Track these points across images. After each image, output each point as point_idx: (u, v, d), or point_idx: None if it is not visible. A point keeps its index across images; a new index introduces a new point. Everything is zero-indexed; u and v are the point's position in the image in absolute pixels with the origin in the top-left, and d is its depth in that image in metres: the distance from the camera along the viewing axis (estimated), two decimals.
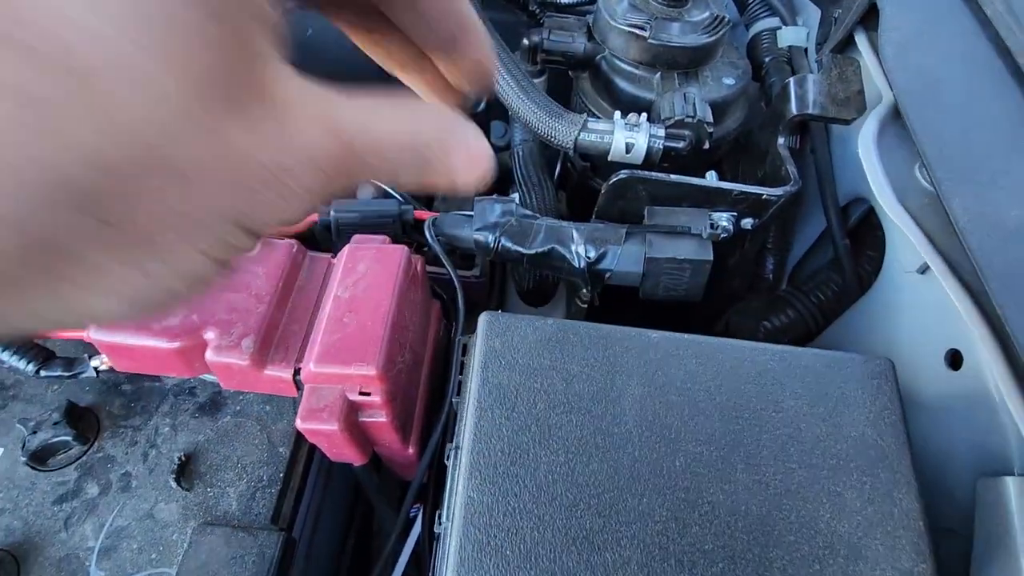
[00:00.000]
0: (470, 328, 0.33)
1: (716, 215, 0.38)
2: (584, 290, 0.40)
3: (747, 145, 0.50)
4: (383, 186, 0.43)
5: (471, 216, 0.40)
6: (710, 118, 0.41)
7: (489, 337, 0.28)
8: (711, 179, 0.40)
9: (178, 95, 0.10)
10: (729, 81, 0.46)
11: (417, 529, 0.38)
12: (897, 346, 0.35)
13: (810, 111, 0.40)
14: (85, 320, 0.11)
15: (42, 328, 0.11)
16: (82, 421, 0.32)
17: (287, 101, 0.11)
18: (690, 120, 0.41)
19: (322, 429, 0.29)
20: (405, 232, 0.40)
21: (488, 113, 0.66)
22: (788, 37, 0.51)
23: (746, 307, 0.48)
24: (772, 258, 0.50)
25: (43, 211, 0.09)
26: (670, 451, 0.26)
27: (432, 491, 0.38)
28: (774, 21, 0.52)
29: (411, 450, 0.36)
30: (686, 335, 0.28)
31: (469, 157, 0.16)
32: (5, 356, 0.31)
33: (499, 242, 0.38)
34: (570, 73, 0.51)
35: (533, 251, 0.38)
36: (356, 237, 0.36)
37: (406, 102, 0.15)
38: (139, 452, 0.32)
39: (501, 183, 0.70)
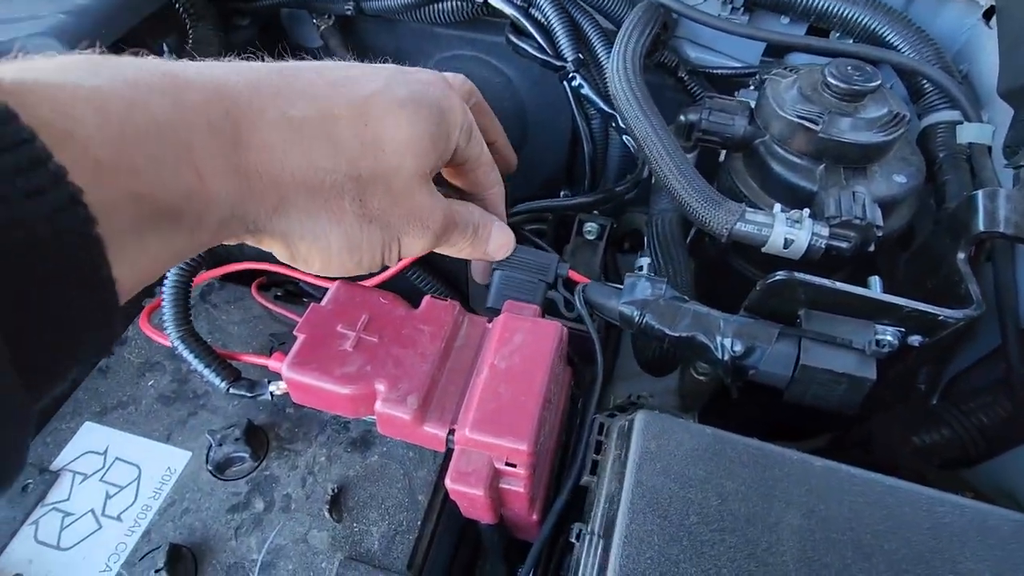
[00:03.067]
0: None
1: (881, 328, 0.36)
2: (724, 380, 0.39)
3: (914, 248, 0.47)
4: (539, 242, 0.45)
5: (619, 289, 0.40)
6: (880, 221, 0.40)
7: (646, 438, 0.28)
8: (876, 288, 0.38)
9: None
10: (900, 179, 0.44)
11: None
12: None
13: (1001, 229, 0.37)
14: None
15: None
16: (256, 439, 0.36)
17: (435, 190, 0.28)
18: (858, 222, 0.39)
19: (468, 492, 0.31)
20: (555, 284, 0.42)
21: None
22: (970, 134, 0.48)
23: (893, 418, 0.44)
24: (929, 368, 0.47)
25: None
26: None
27: (546, 561, 0.38)
28: (953, 115, 0.49)
29: (535, 517, 0.37)
30: (853, 469, 0.27)
31: (499, 242, 0.33)
32: (206, 372, 0.36)
33: (644, 318, 0.39)
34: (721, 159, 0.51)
35: (676, 334, 0.38)
36: (508, 304, 0.38)
37: (471, 204, 0.32)
38: (299, 476, 0.36)
39: (629, 243, 0.71)
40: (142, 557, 0.31)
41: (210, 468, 0.35)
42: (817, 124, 0.42)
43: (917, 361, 0.44)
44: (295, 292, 0.47)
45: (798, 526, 0.26)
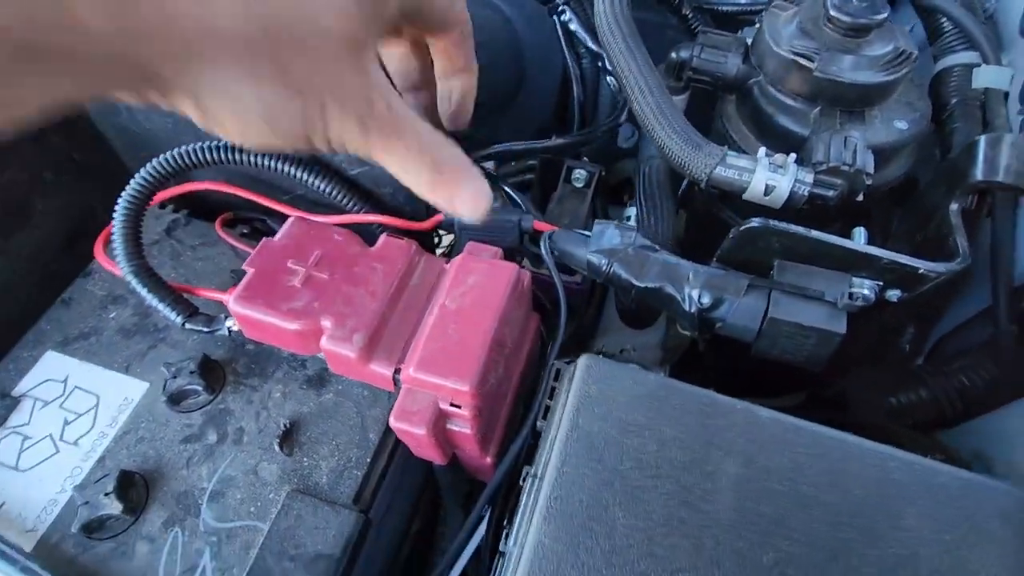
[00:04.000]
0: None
1: (857, 281, 0.34)
2: (691, 334, 0.38)
3: (908, 197, 0.44)
4: (508, 191, 0.43)
5: (588, 236, 0.39)
6: (871, 168, 0.37)
7: (587, 382, 0.27)
8: (859, 239, 0.36)
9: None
10: (901, 125, 0.40)
11: (482, 531, 0.39)
12: None
13: (1000, 179, 0.34)
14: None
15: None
16: (211, 373, 0.36)
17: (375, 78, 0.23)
18: (846, 168, 0.37)
19: (411, 431, 0.30)
20: (522, 240, 0.40)
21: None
22: (986, 78, 0.44)
23: (870, 377, 0.43)
24: (914, 327, 0.45)
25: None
26: (760, 543, 0.24)
27: (501, 499, 0.39)
28: (971, 56, 0.45)
29: (488, 459, 0.36)
30: (800, 421, 0.26)
31: (473, 194, 0.25)
32: (161, 306, 0.36)
33: (612, 268, 0.37)
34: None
35: (643, 284, 0.37)
36: (469, 246, 0.37)
37: (444, 137, 0.25)
38: (253, 411, 0.36)
39: (619, 193, 0.68)
40: (95, 481, 0.32)
41: (165, 400, 0.35)
42: (813, 61, 0.39)
43: (900, 319, 0.42)
44: (262, 230, 0.46)
45: (736, 475, 0.25)
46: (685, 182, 0.56)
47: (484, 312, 0.32)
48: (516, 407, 0.40)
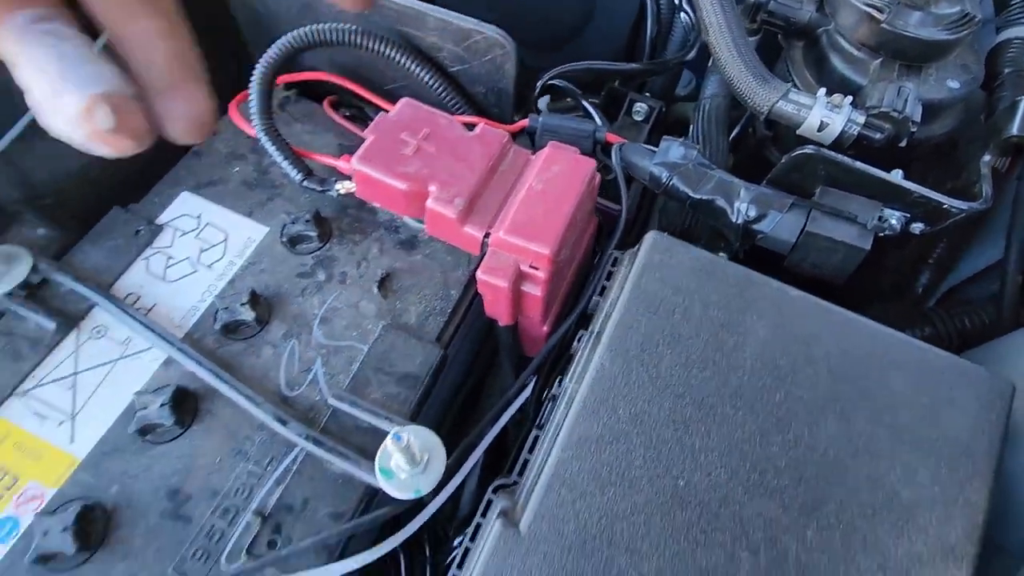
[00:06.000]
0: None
1: (888, 211, 0.39)
2: (733, 244, 0.43)
3: (947, 155, 0.48)
4: (586, 105, 0.48)
5: (654, 151, 0.44)
6: (917, 118, 0.41)
7: (651, 252, 0.33)
8: (895, 176, 0.41)
9: None
10: (953, 84, 0.44)
11: (526, 394, 0.46)
12: None
13: None
14: None
15: None
16: (322, 225, 0.43)
17: None
18: (895, 114, 0.41)
19: (494, 283, 0.37)
20: (594, 150, 0.46)
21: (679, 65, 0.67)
22: None
23: (883, 312, 0.48)
24: (930, 273, 0.50)
25: None
26: (774, 385, 0.30)
27: (547, 371, 0.45)
28: None
29: (545, 328, 0.43)
30: (825, 301, 0.32)
31: (189, 112, 0.21)
32: (284, 163, 0.42)
33: (672, 180, 0.43)
34: (781, 40, 0.52)
35: (698, 196, 0.42)
36: (552, 144, 0.42)
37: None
38: (355, 260, 0.42)
39: (674, 133, 0.72)
40: (230, 295, 0.39)
41: (284, 241, 0.42)
42: (883, 13, 0.42)
43: (919, 264, 0.47)
44: (359, 117, 0.51)
45: (763, 335, 0.31)
46: (738, 128, 0.61)
47: (565, 194, 0.38)
48: (570, 294, 0.46)
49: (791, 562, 0.28)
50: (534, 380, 0.44)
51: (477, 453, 0.37)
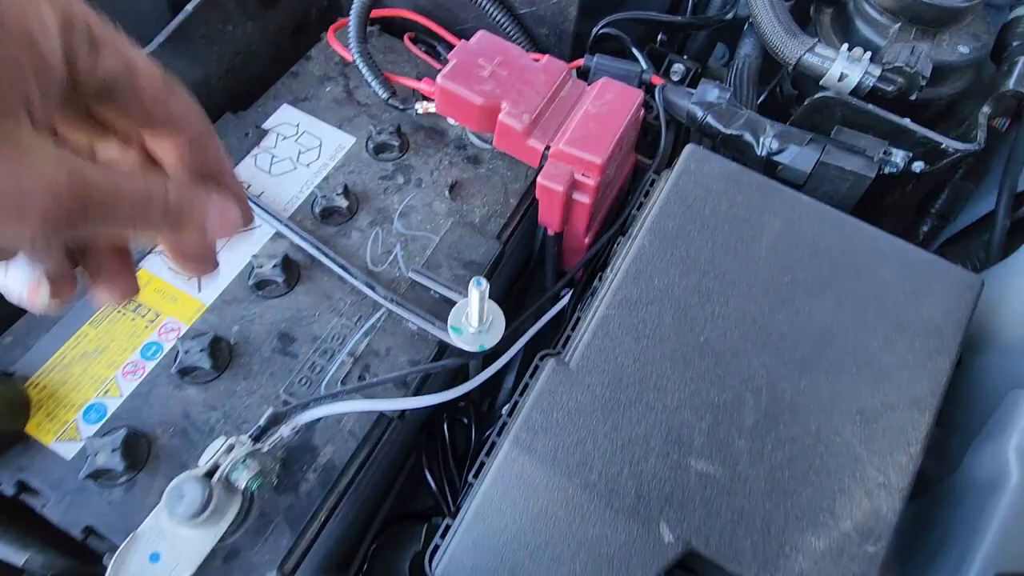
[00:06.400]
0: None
1: (892, 149, 0.45)
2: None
3: (953, 115, 0.54)
4: (634, 50, 0.55)
5: (693, 92, 0.50)
6: (927, 73, 0.47)
7: (690, 159, 0.40)
8: (902, 119, 0.47)
9: None
10: (963, 49, 0.50)
11: (564, 302, 0.53)
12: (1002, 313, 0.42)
13: None
14: None
15: None
16: (403, 138, 0.50)
17: (32, 147, 0.15)
18: (908, 69, 0.47)
19: (552, 187, 0.44)
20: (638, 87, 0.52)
21: (715, 36, 0.73)
22: None
23: None
24: (931, 223, 0.56)
25: None
26: (783, 270, 0.37)
27: (580, 291, 0.52)
28: None
29: (587, 240, 0.50)
30: (835, 210, 0.38)
31: (222, 218, 0.21)
32: (375, 83, 0.49)
33: (706, 117, 0.49)
34: (812, 12, 0.57)
35: (728, 131, 0.48)
36: (605, 78, 0.49)
37: (141, 171, 0.21)
38: (428, 169, 0.49)
39: None
40: (326, 188, 0.46)
41: (369, 149, 0.50)
42: None
43: (917, 194, 0.54)
44: (433, 53, 0.58)
45: (777, 230, 0.38)
46: (767, 92, 0.67)
47: (616, 117, 0.44)
48: (609, 217, 0.53)
49: (786, 403, 0.35)
50: (568, 296, 0.51)
51: (527, 336, 0.44)
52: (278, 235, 0.45)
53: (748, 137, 0.48)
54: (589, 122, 0.44)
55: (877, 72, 0.47)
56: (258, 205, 0.45)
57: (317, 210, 0.46)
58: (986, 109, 0.47)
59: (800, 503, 0.33)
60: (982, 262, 0.51)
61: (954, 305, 0.36)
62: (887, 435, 0.34)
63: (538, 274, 0.55)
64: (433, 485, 0.54)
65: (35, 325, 0.40)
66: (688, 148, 0.40)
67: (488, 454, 0.37)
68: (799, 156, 0.46)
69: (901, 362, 0.35)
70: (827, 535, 0.32)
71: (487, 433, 0.39)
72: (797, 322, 0.36)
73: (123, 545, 0.33)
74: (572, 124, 0.45)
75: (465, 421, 0.56)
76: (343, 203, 0.46)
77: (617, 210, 0.54)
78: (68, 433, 0.37)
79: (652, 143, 0.53)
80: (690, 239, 0.38)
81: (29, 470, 0.36)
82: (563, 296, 0.51)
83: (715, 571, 0.34)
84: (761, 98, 0.66)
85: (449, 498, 0.52)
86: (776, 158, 0.47)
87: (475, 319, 0.39)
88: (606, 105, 0.45)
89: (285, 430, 0.36)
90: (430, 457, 0.55)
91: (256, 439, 0.35)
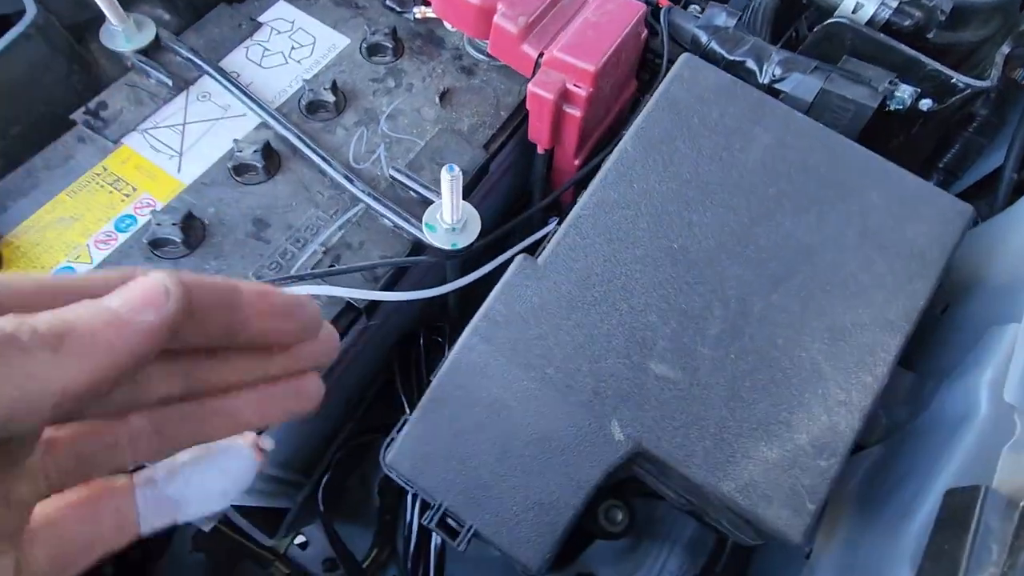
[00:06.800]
0: None
1: (900, 84, 0.43)
2: None
3: (970, 64, 0.52)
4: None
5: (699, 17, 0.49)
6: (947, 8, 0.45)
7: (684, 67, 0.38)
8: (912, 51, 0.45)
9: None
10: None
11: (550, 227, 0.52)
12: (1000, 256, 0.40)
13: None
14: None
15: None
16: (396, 43, 0.49)
17: None
18: (926, 2, 0.45)
19: (542, 95, 0.43)
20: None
21: None
22: None
23: None
24: (938, 176, 0.54)
25: None
26: (769, 183, 0.36)
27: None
28: None
29: (577, 162, 0.49)
30: (826, 127, 0.37)
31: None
32: None
33: (711, 43, 0.47)
34: None
35: (732, 57, 0.47)
36: None
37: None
38: (421, 75, 0.48)
39: None
40: (315, 83, 0.46)
41: (362, 50, 0.49)
42: None
43: (929, 162, 0.52)
44: None
45: (767, 143, 0.37)
46: (784, 39, 0.64)
47: (615, 26, 0.43)
48: (602, 142, 0.51)
49: (755, 316, 0.34)
50: (554, 223, 0.50)
51: (509, 253, 0.43)
52: (263, 125, 0.44)
53: (751, 64, 0.46)
54: (587, 30, 0.43)
55: (894, 3, 0.45)
56: (244, 93, 0.44)
57: (304, 103, 0.45)
58: (1005, 49, 0.44)
59: (757, 413, 0.32)
60: (984, 218, 0.49)
61: (941, 231, 0.35)
62: (854, 354, 0.33)
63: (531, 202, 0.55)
64: (404, 399, 0.54)
65: (12, 188, 0.41)
66: (683, 56, 0.39)
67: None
68: (802, 84, 0.44)
69: (879, 283, 0.34)
70: (780, 446, 0.32)
71: None
72: (777, 236, 0.35)
73: None
74: (569, 31, 0.43)
75: (440, 340, 0.56)
76: (330, 98, 0.45)
77: (611, 139, 0.53)
78: None
79: (651, 81, 0.52)
80: (675, 146, 0.37)
81: None
82: (550, 223, 0.50)
83: (665, 476, 0.34)
84: (779, 44, 0.64)
85: None
86: (778, 86, 0.45)
87: (448, 213, 0.38)
88: (606, 15, 0.44)
89: None
90: (404, 373, 0.55)
91: None
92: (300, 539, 0.62)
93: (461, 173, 0.35)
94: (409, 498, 0.50)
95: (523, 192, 0.58)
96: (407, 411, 0.53)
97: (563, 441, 0.32)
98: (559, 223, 0.47)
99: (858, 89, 0.43)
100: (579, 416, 0.33)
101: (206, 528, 0.41)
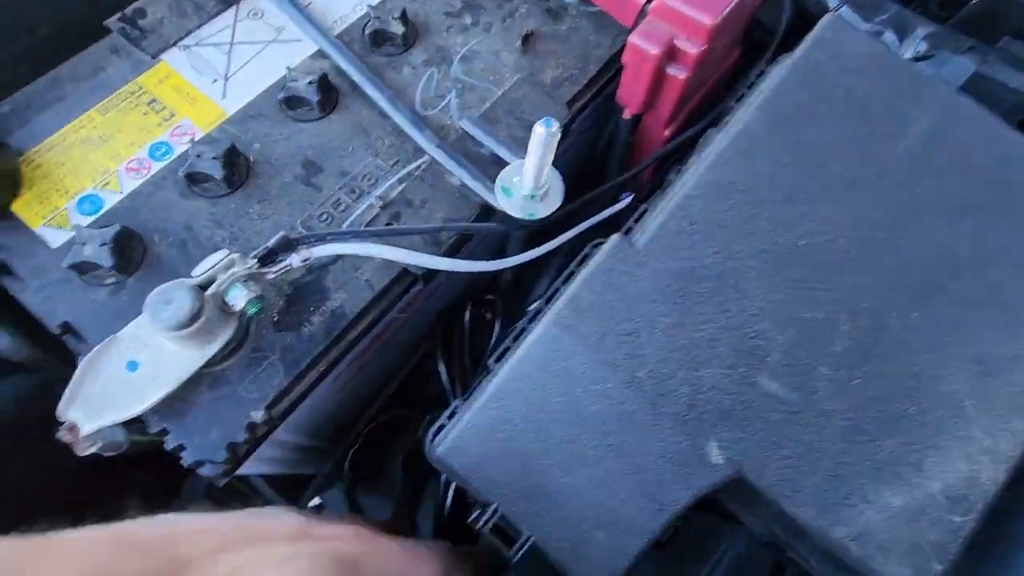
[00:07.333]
0: None
1: None
2: None
3: None
4: None
5: None
6: None
7: (829, 28, 0.32)
8: None
9: None
10: None
11: (624, 203, 0.46)
12: None
13: None
14: None
15: None
16: None
17: None
18: None
19: (645, 48, 0.36)
20: None
21: None
22: None
23: None
24: None
25: None
26: (920, 178, 0.30)
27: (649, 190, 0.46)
28: None
29: (667, 132, 0.43)
30: (998, 117, 0.31)
31: None
32: None
33: (841, 6, 0.41)
34: None
35: (867, 26, 0.40)
36: None
37: None
38: (502, 14, 0.42)
39: None
40: (383, 10, 0.40)
41: None
42: None
43: None
44: None
45: (923, 128, 0.31)
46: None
47: None
48: (698, 112, 0.45)
49: (889, 336, 0.29)
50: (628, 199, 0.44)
51: (580, 227, 0.38)
52: (320, 54, 0.39)
53: (890, 35, 0.40)
54: None
55: None
56: (301, 14, 0.39)
57: (368, 32, 0.39)
58: None
59: (882, 451, 0.27)
60: None
61: None
62: (1007, 393, 0.28)
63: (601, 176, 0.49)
64: (444, 374, 0.49)
65: (37, 98, 0.36)
66: (828, 16, 0.33)
67: (516, 340, 0.32)
68: (951, 64, 0.38)
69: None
70: (907, 493, 0.27)
71: (513, 327, 0.34)
72: (924, 243, 0.29)
73: (99, 346, 0.29)
74: None
75: (489, 316, 0.51)
76: (399, 29, 0.39)
77: (700, 112, 0.47)
78: (58, 220, 0.33)
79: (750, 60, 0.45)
80: (811, 123, 0.31)
81: (11, 251, 0.32)
82: (622, 198, 0.44)
83: (761, 509, 0.29)
84: None
85: (459, 390, 0.48)
86: (921, 64, 0.39)
87: (531, 177, 0.33)
88: None
89: (295, 259, 0.31)
90: (446, 347, 0.51)
91: (261, 261, 0.30)
92: (315, 500, 0.60)
93: (560, 129, 0.29)
94: (443, 481, 0.47)
95: (590, 159, 0.52)
96: (448, 389, 0.49)
97: (648, 456, 0.28)
98: (642, 200, 0.42)
99: (1019, 78, 0.36)
100: (670, 430, 0.28)
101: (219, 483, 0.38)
